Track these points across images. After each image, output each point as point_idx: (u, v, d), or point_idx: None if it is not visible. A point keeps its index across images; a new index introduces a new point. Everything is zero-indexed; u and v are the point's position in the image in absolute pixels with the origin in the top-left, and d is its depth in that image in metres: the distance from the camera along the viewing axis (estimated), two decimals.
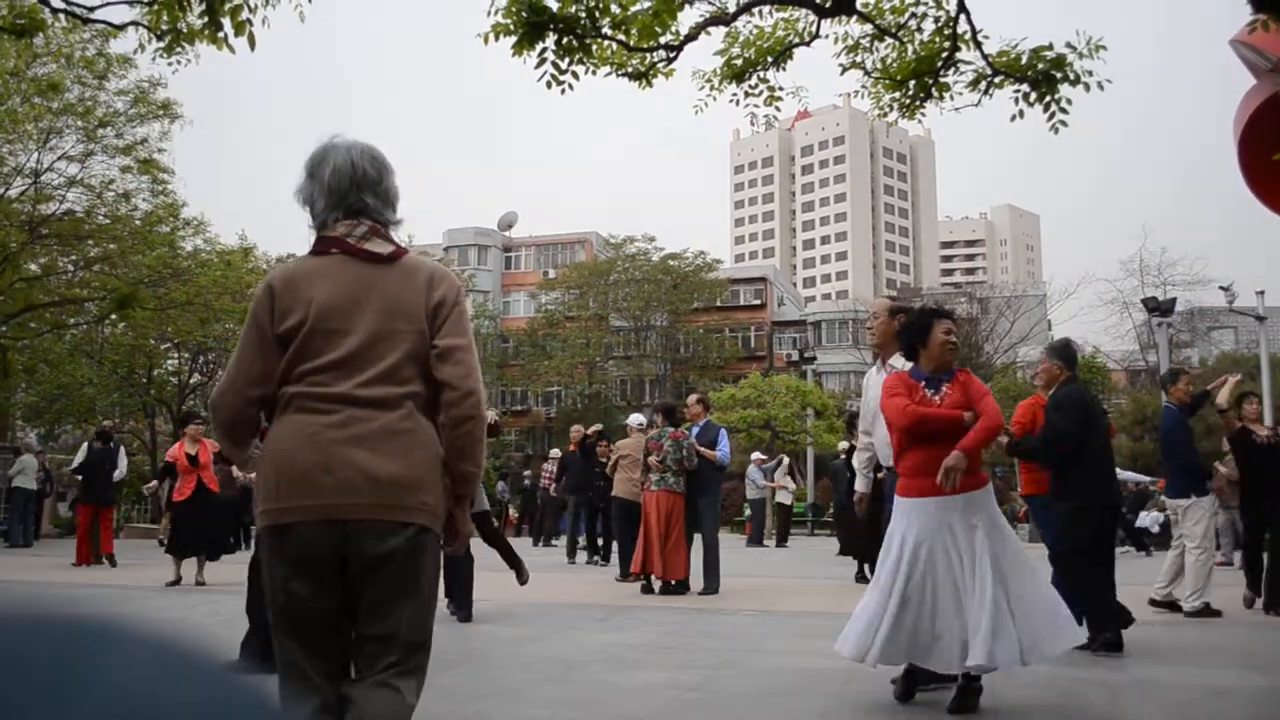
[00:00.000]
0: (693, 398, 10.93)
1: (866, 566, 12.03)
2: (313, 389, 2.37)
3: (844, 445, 13.97)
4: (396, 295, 2.44)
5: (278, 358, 2.41)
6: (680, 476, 9.95)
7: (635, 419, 12.68)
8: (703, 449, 10.14)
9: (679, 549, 9.87)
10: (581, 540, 15.62)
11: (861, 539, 12.10)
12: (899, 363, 5.11)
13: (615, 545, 11.98)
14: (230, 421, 2.45)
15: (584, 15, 7.37)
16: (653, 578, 9.94)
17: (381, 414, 2.36)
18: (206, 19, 7.07)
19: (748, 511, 23.21)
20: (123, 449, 15.33)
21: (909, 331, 4.83)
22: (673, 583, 9.90)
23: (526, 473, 31.66)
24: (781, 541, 22.20)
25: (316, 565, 2.33)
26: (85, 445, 14.77)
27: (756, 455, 23.44)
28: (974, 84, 8.23)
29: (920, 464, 4.58)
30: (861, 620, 4.57)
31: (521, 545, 18.82)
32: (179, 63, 7.60)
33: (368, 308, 2.42)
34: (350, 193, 2.49)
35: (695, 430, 10.35)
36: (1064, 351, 7.03)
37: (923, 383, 4.68)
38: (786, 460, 24.47)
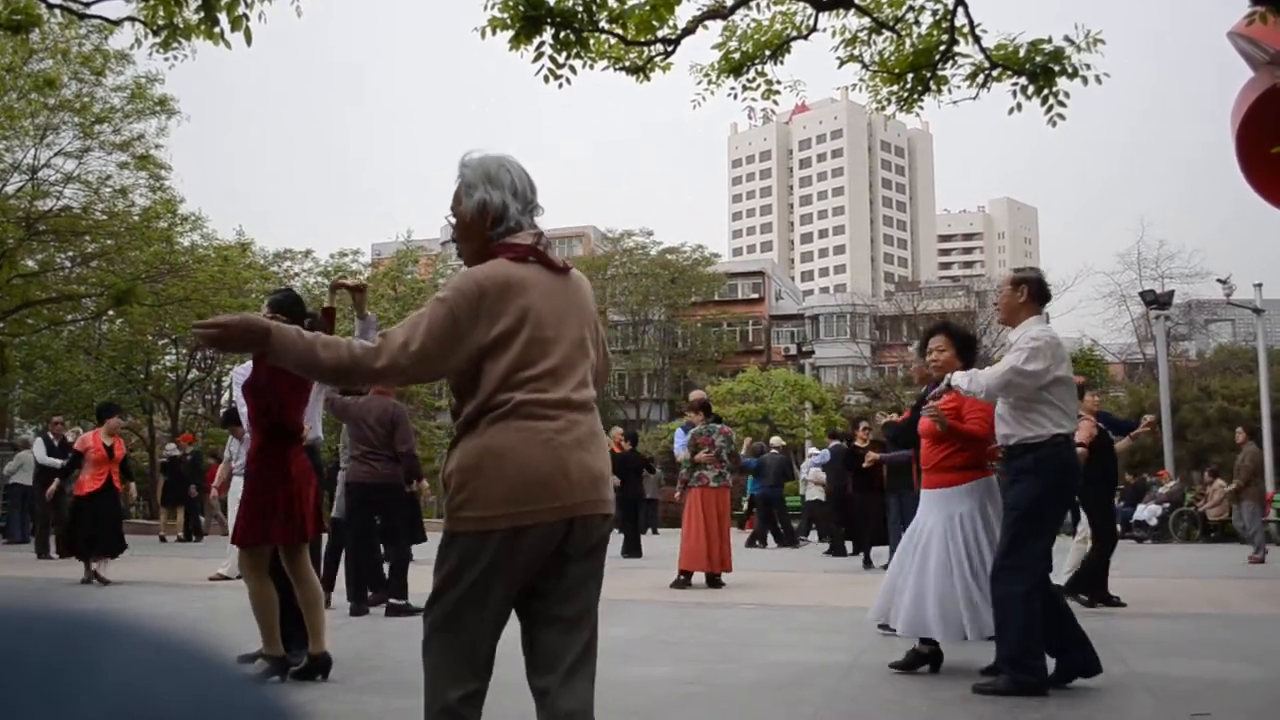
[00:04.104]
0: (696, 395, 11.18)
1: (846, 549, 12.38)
2: (536, 395, 2.47)
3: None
4: (583, 307, 2.66)
5: (465, 358, 2.48)
6: (729, 471, 10.38)
7: None
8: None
9: (729, 541, 10.22)
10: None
11: (859, 526, 12.51)
12: (1014, 336, 5.10)
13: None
14: (383, 382, 2.65)
15: (581, 9, 7.36)
16: (692, 574, 10.09)
17: (588, 417, 2.57)
18: (203, 14, 7.06)
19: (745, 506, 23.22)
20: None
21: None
22: (719, 575, 10.13)
23: None
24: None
25: (534, 563, 2.49)
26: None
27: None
28: (972, 77, 8.23)
29: None
30: None
31: None
32: (175, 58, 7.59)
33: (569, 318, 2.59)
34: (533, 198, 2.66)
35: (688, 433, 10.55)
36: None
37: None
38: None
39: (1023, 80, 7.93)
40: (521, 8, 7.15)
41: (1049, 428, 4.89)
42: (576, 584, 2.57)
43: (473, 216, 2.60)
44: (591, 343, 2.66)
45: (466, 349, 2.46)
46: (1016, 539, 4.85)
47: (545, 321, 2.52)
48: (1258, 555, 14.51)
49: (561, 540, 2.49)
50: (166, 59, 7.55)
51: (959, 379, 5.06)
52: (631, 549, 15.11)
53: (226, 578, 10.28)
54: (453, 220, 2.67)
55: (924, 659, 5.32)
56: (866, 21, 8.32)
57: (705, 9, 7.92)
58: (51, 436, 15.32)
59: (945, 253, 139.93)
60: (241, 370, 5.76)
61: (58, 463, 15.18)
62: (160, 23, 7.32)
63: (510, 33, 7.24)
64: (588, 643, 2.61)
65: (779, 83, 8.55)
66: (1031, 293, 5.14)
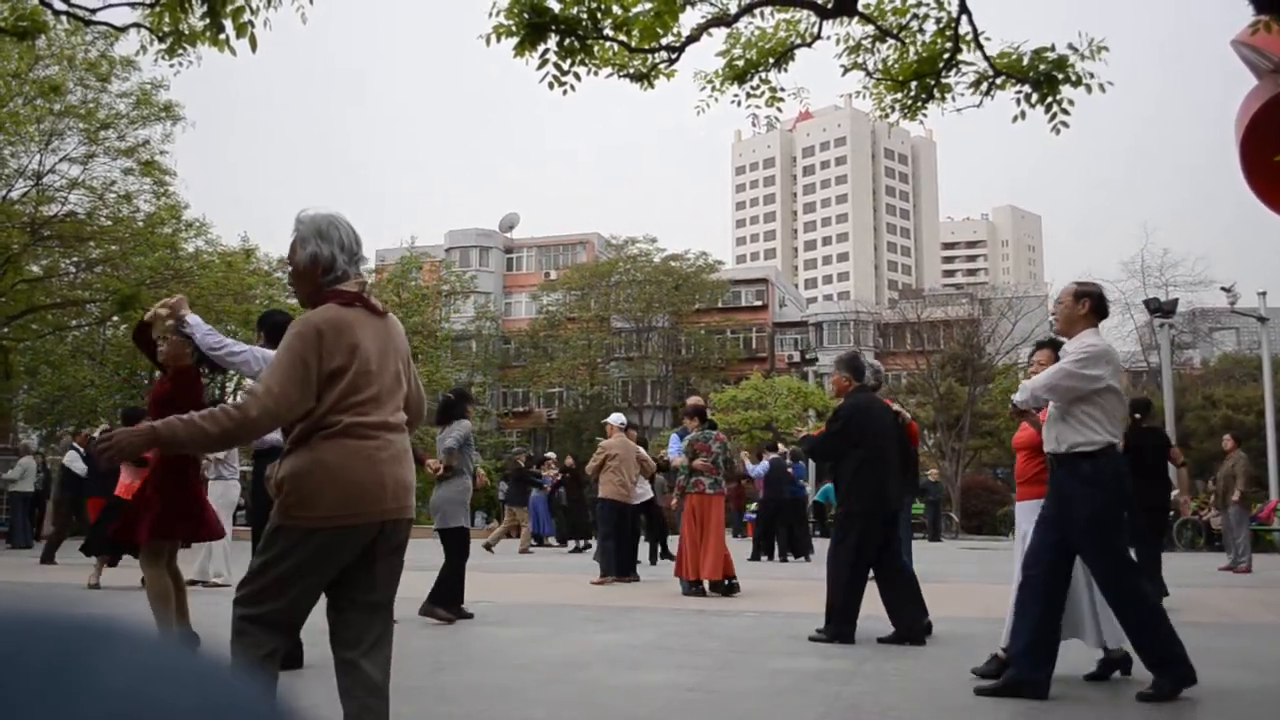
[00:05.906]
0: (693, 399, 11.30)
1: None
2: (360, 418, 2.91)
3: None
4: (398, 344, 3.13)
5: (316, 391, 2.90)
6: (724, 479, 10.46)
7: (617, 418, 12.49)
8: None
9: (724, 545, 10.24)
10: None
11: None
12: (1072, 347, 5.12)
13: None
14: (265, 432, 3.01)
15: (585, 16, 7.38)
16: (704, 581, 10.10)
17: (400, 437, 3.04)
18: (208, 20, 7.07)
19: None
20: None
21: None
22: (725, 581, 10.16)
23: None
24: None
25: (349, 557, 2.94)
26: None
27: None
28: (975, 85, 8.23)
29: None
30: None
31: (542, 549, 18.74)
32: (181, 64, 7.61)
33: (388, 354, 3.05)
34: (358, 250, 3.10)
35: (682, 441, 10.64)
36: (851, 364, 7.35)
37: None
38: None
39: (1026, 88, 7.94)
40: (526, 15, 7.17)
41: (1102, 434, 4.91)
42: (381, 575, 3.02)
43: (306, 267, 3.04)
44: (404, 376, 3.13)
45: (315, 382, 2.88)
46: (1105, 552, 4.89)
47: (370, 357, 2.96)
48: (1243, 564, 14.51)
49: (374, 539, 2.95)
50: (172, 65, 7.56)
51: (1017, 396, 5.25)
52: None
53: (199, 582, 10.30)
54: (290, 268, 3.10)
55: (1114, 665, 5.38)
56: (870, 29, 8.32)
57: (709, 16, 7.93)
58: (79, 447, 15.36)
59: (949, 260, 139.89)
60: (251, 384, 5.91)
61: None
62: (166, 29, 7.33)
63: (515, 40, 7.25)
64: (386, 623, 3.06)
65: (783, 90, 8.56)
66: (1093, 306, 5.24)
